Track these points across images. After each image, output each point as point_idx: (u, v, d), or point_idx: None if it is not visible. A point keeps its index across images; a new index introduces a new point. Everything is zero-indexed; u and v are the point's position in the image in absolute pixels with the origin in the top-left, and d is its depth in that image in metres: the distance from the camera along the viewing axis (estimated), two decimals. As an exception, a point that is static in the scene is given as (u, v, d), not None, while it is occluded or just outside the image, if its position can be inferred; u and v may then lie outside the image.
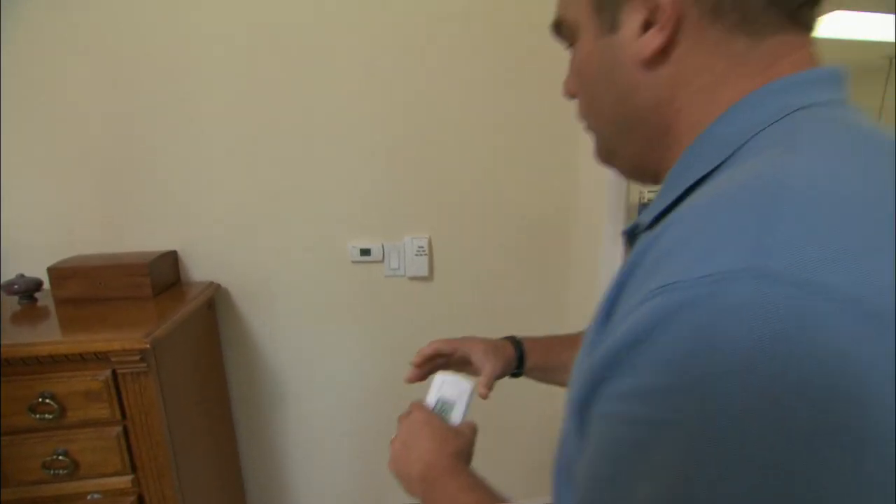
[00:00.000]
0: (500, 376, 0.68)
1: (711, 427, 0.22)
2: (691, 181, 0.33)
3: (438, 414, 0.61)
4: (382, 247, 1.43)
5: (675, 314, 0.24)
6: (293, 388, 1.53)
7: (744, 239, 0.23)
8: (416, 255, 1.44)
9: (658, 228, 0.29)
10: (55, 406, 0.96)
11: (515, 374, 0.72)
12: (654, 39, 0.34)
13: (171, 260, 1.36)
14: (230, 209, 1.38)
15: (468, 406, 0.62)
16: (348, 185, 1.39)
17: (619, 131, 0.41)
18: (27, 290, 1.23)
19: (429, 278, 1.48)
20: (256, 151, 1.35)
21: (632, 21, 0.35)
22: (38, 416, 0.96)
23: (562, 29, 0.42)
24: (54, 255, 1.28)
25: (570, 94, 0.45)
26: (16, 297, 1.24)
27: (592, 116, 0.43)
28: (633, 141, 0.40)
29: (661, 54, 0.35)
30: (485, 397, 0.63)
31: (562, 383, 0.69)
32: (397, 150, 1.37)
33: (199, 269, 1.41)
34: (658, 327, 0.24)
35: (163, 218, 1.36)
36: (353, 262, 1.44)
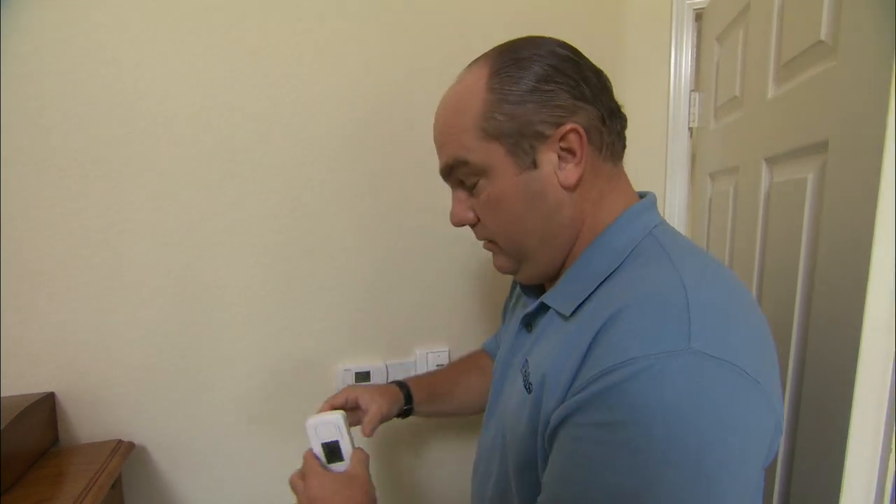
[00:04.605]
0: (388, 416, 0.72)
1: (646, 443, 0.37)
2: (598, 282, 0.48)
3: (328, 457, 0.63)
4: (386, 368, 1.02)
5: (639, 374, 0.37)
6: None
7: (672, 331, 0.38)
8: (433, 375, 1.05)
9: (585, 317, 0.46)
10: None
11: (405, 413, 0.77)
12: (575, 171, 0.49)
13: (43, 413, 0.83)
14: (150, 319, 0.90)
15: (349, 434, 0.64)
16: (333, 280, 0.98)
17: (541, 242, 0.53)
18: None
19: (447, 406, 1.08)
20: (196, 231, 0.90)
21: (549, 160, 0.49)
22: None
23: (462, 169, 0.53)
24: None
25: (468, 222, 0.57)
26: None
27: (512, 235, 0.54)
28: (552, 248, 0.53)
29: (578, 181, 0.50)
30: (368, 435, 0.68)
31: (447, 412, 0.85)
32: (403, 224, 1.01)
33: (94, 420, 0.88)
34: (626, 381, 0.37)
35: (38, 339, 0.85)
36: (344, 391, 1.00)
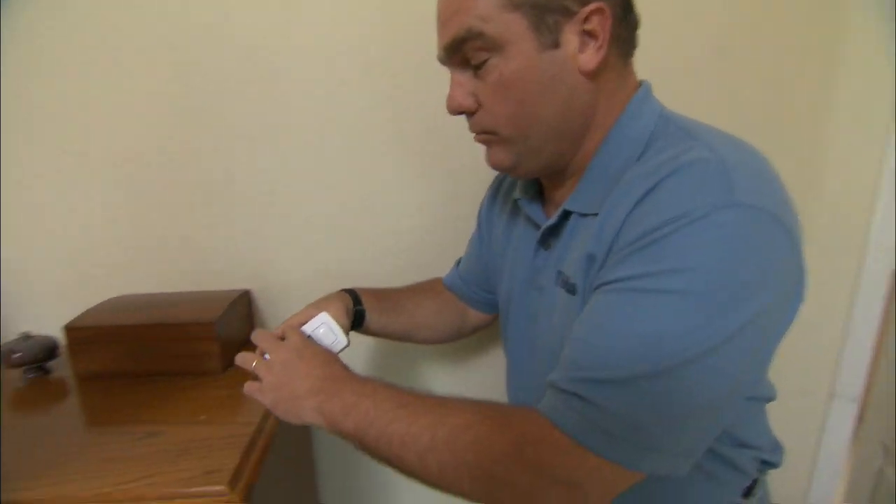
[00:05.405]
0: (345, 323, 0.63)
1: (689, 286, 0.37)
2: (622, 172, 0.46)
3: None
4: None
5: (684, 226, 0.37)
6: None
7: (714, 187, 0.38)
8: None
9: (615, 200, 0.44)
10: None
11: (357, 319, 0.68)
12: (596, 56, 0.45)
13: (243, 308, 0.92)
14: (333, 222, 0.93)
15: None
16: (445, 180, 0.92)
17: (551, 131, 0.49)
18: (34, 360, 0.81)
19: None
20: (375, 138, 0.90)
21: (571, 41, 0.45)
22: None
23: (474, 43, 0.46)
24: (77, 299, 0.85)
25: (467, 109, 0.51)
26: (21, 370, 0.82)
27: (521, 121, 0.48)
28: (560, 138, 0.50)
29: (598, 67, 0.46)
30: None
31: (397, 329, 0.74)
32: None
33: (282, 316, 0.95)
34: (671, 235, 0.38)
35: (229, 239, 0.93)
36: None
